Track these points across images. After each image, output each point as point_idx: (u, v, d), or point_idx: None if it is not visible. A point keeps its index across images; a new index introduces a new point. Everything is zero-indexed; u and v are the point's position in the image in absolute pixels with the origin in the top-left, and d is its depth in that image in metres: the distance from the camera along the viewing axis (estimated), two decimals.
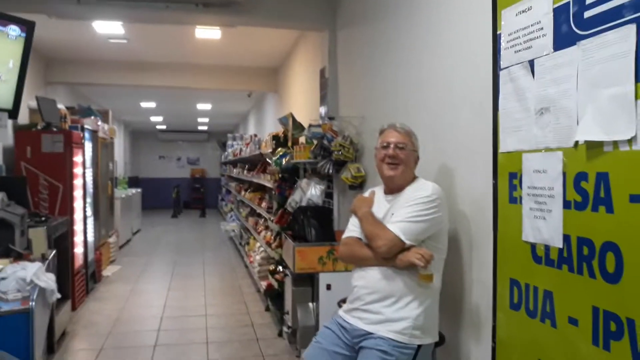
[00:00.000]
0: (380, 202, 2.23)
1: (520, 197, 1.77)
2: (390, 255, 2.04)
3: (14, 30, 3.40)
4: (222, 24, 5.12)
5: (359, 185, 3.53)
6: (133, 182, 13.11)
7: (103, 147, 6.57)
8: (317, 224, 3.65)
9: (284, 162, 4.57)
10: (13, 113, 3.52)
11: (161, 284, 6.18)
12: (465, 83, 2.25)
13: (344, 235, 2.28)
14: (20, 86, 3.51)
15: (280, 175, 4.80)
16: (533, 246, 1.71)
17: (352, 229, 2.25)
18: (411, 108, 2.83)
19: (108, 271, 6.58)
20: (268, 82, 8.12)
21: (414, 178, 2.21)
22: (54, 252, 3.45)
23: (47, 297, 2.22)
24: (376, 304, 2.05)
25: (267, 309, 4.90)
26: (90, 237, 5.66)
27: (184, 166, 18.14)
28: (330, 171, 3.79)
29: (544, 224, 1.65)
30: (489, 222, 1.99)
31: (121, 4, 4.24)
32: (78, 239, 5.09)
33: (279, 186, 4.73)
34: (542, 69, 1.68)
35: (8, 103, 3.46)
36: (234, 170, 10.06)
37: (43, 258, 2.97)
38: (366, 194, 2.35)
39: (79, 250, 5.11)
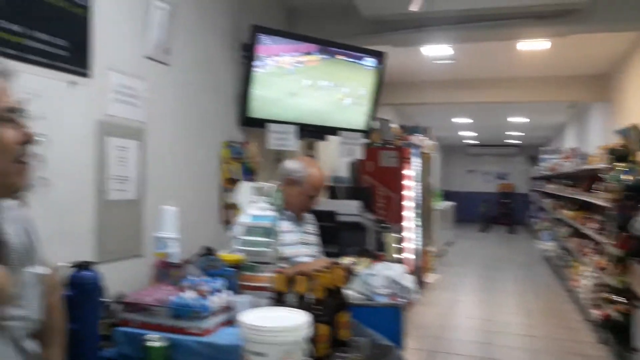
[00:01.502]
0: None
1: None
2: None
3: (368, 61, 3.98)
4: (552, 35, 4.90)
5: None
6: (444, 195, 13.63)
7: (425, 162, 7.05)
8: None
9: (627, 178, 4.09)
10: (366, 133, 4.13)
11: (477, 296, 6.27)
12: None
13: None
14: (373, 110, 4.09)
15: (621, 194, 4.30)
16: None
17: None
18: None
19: (429, 279, 7.02)
20: (594, 90, 7.37)
21: None
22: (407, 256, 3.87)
23: (407, 296, 2.54)
24: None
25: (602, 341, 4.43)
26: (417, 246, 6.15)
27: (490, 180, 17.94)
28: None
29: None
30: None
31: (452, 27, 4.51)
32: (408, 245, 5.58)
33: (619, 206, 4.25)
34: None
35: (362, 125, 4.07)
36: (549, 186, 9.48)
37: (395, 260, 3.40)
38: None
39: (409, 256, 5.61)
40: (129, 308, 1.60)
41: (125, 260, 2.44)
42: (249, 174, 3.57)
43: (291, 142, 3.53)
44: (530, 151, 15.45)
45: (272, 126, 3.47)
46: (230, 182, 3.41)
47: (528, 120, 11.31)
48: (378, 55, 3.97)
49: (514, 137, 15.10)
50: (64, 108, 2.06)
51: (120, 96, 2.40)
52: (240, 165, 3.48)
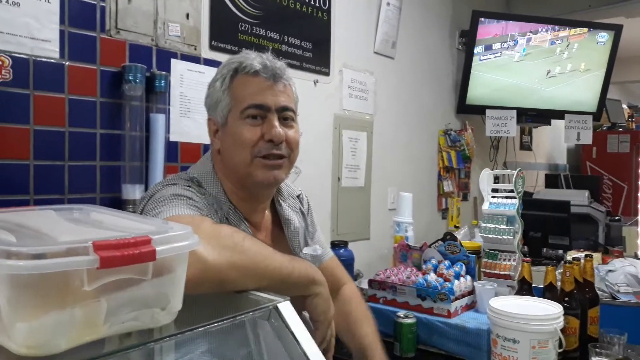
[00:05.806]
0: None
1: None
2: None
3: (602, 36, 3.63)
4: None
5: None
6: None
7: None
8: None
9: None
10: (596, 115, 3.75)
11: None
12: None
13: None
14: (605, 89, 3.70)
15: None
16: None
17: None
18: None
19: None
20: None
21: None
22: None
23: None
24: None
25: None
26: None
27: None
28: None
29: None
30: None
31: None
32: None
33: None
34: None
35: (592, 107, 3.72)
36: None
37: (636, 257, 3.04)
38: None
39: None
40: (378, 285, 1.74)
41: (355, 243, 2.64)
42: (465, 161, 3.55)
43: (510, 127, 3.40)
44: None
45: (491, 112, 3.39)
46: (446, 170, 3.43)
47: None
48: (614, 29, 3.59)
49: None
50: (310, 105, 2.31)
51: (353, 91, 2.59)
52: (456, 153, 3.47)
